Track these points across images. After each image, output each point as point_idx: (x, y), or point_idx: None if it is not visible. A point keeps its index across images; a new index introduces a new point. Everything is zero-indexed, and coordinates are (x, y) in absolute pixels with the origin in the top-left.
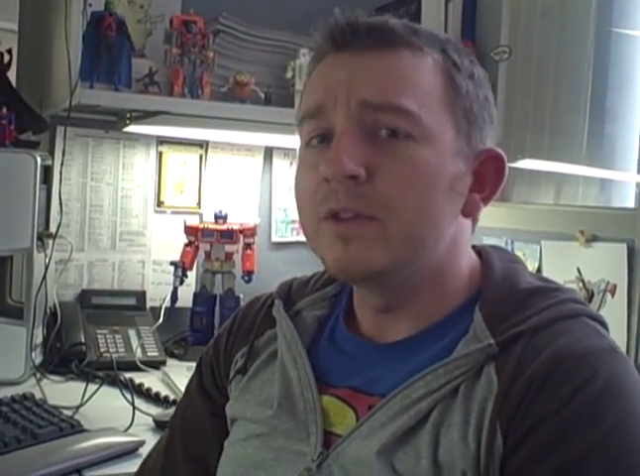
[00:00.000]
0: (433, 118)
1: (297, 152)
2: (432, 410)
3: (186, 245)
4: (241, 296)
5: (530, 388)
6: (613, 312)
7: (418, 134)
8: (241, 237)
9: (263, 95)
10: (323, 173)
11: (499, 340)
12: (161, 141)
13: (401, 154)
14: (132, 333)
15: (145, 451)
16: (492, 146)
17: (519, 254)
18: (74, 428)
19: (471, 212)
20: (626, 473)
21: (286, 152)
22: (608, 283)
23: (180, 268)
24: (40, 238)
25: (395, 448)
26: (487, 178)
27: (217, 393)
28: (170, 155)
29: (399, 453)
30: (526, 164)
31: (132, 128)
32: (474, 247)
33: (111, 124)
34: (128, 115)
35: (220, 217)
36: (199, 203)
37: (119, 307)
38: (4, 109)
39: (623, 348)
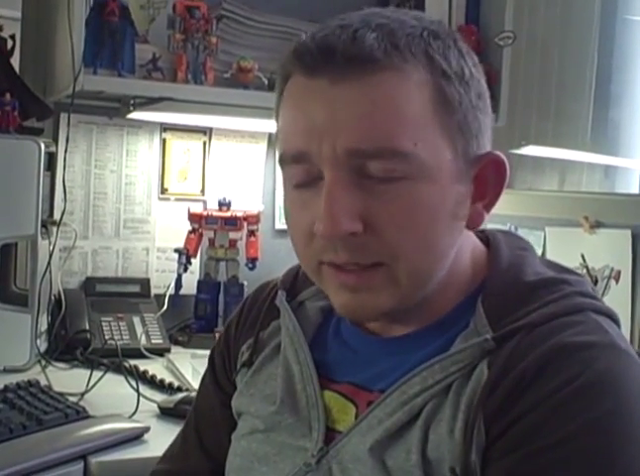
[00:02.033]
0: (429, 150)
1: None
2: (425, 405)
3: (190, 232)
4: (245, 283)
5: (520, 381)
6: (617, 299)
7: (415, 172)
8: (245, 224)
9: (266, 81)
10: (318, 231)
11: (496, 335)
12: (165, 128)
13: (398, 197)
14: (136, 320)
15: (150, 437)
16: (492, 149)
17: None
18: (80, 415)
19: (475, 225)
20: (599, 469)
21: None
22: (612, 269)
23: (184, 255)
24: (44, 225)
25: (387, 444)
26: (488, 184)
27: (228, 383)
28: (174, 142)
29: (390, 449)
30: (530, 150)
31: (135, 115)
32: (482, 231)
33: (115, 111)
34: (131, 101)
35: (224, 204)
36: (203, 190)
37: (123, 295)
38: (7, 95)
39: (627, 335)
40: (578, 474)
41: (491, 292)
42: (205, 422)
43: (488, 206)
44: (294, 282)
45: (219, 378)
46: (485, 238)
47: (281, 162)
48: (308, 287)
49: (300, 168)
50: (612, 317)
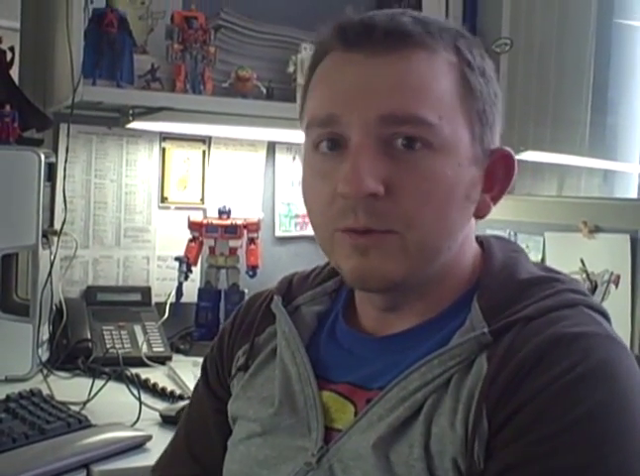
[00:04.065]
0: (451, 126)
1: (302, 151)
2: (426, 400)
3: (190, 240)
4: (245, 290)
5: (520, 371)
6: (617, 303)
7: (437, 144)
8: (245, 232)
9: (264, 90)
10: (341, 190)
11: (493, 329)
12: (164, 137)
13: (419, 166)
14: (137, 329)
15: (152, 446)
16: (501, 145)
17: (522, 246)
18: (82, 424)
19: (482, 214)
20: (598, 458)
21: (289, 146)
22: (612, 273)
23: (185, 263)
24: (44, 235)
25: (391, 440)
26: (497, 177)
27: (222, 390)
28: (174, 151)
29: (395, 445)
30: (529, 156)
31: (135, 124)
32: (476, 237)
33: (114, 121)
34: (130, 111)
35: (224, 212)
36: (203, 199)
37: (124, 303)
38: (7, 107)
39: (627, 339)
40: (580, 460)
41: (486, 289)
42: (196, 428)
43: (495, 199)
44: (289, 288)
45: (212, 385)
46: (480, 242)
47: (308, 126)
48: (303, 292)
49: (327, 131)
50: (604, 314)
